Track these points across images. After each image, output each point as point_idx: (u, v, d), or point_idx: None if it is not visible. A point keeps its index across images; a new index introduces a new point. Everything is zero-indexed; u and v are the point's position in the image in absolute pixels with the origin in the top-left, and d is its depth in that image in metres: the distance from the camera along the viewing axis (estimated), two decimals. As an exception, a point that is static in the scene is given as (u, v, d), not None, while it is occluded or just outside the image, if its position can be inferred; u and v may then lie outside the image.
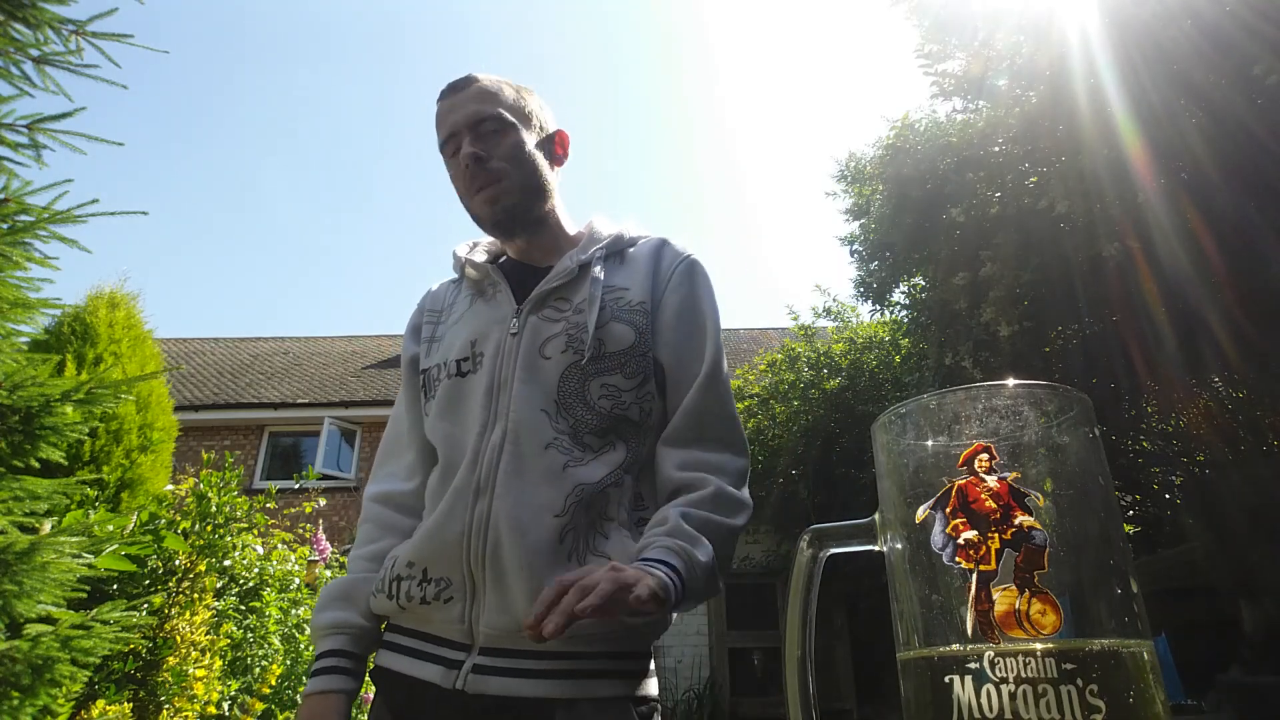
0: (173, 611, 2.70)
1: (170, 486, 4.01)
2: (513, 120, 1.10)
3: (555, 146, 1.17)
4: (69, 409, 1.59)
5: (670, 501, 0.98)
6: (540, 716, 0.89)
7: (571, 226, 1.19)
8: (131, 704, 2.44)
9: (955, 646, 0.35)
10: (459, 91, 1.09)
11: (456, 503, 0.97)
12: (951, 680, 0.35)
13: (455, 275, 1.22)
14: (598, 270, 1.07)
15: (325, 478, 10.69)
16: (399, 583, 0.98)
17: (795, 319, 9.30)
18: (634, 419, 1.02)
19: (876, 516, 0.43)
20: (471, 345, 1.07)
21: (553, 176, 1.15)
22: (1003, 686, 0.33)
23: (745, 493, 1.00)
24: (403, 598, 0.97)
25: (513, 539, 0.92)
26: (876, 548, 0.43)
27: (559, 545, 0.92)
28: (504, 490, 0.95)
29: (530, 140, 1.12)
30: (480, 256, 1.18)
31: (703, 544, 0.90)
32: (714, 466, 0.99)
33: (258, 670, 3.33)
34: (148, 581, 2.77)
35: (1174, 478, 6.26)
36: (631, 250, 1.13)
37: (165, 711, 2.56)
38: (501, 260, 1.18)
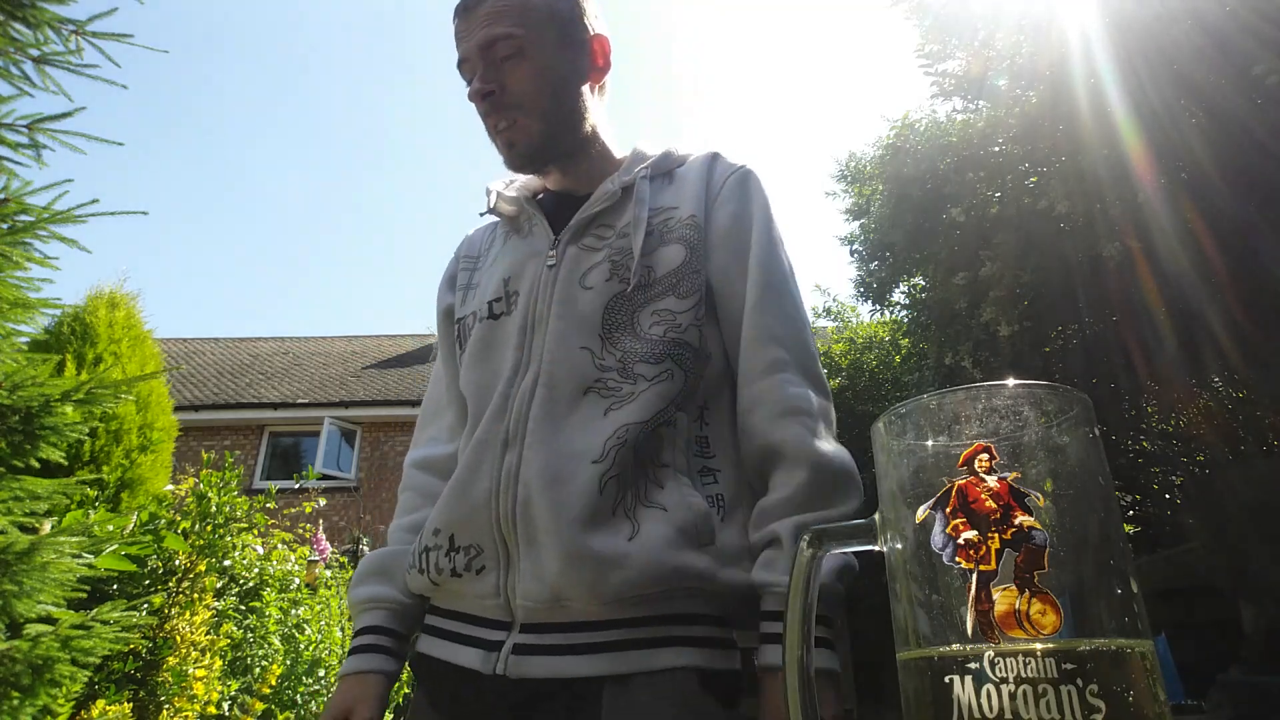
0: (173, 611, 2.70)
1: (170, 486, 4.01)
2: (531, 37, 0.93)
3: (593, 56, 1.00)
4: (69, 409, 1.59)
5: (760, 480, 0.87)
6: (587, 698, 0.77)
7: (618, 150, 1.05)
8: (131, 704, 2.44)
9: (955, 646, 0.35)
10: (470, 11, 0.95)
11: (483, 457, 0.86)
12: (951, 680, 0.35)
13: (492, 218, 1.10)
14: (643, 191, 0.94)
15: (325, 478, 10.69)
16: (427, 554, 0.88)
17: (795, 319, 9.27)
18: (693, 343, 0.89)
19: (876, 516, 0.43)
20: (505, 284, 0.95)
21: (590, 96, 1.00)
22: (1003, 686, 0.33)
23: (834, 445, 0.86)
24: (432, 571, 0.87)
25: (544, 493, 0.80)
26: (876, 548, 0.43)
27: (599, 497, 0.80)
28: (535, 439, 0.83)
29: (556, 57, 0.96)
30: (514, 191, 1.05)
31: (830, 560, 0.78)
32: (791, 412, 0.85)
33: (258, 670, 3.33)
34: (148, 581, 2.77)
35: (1174, 478, 6.27)
36: (680, 169, 1.00)
37: (165, 711, 2.56)
38: (540, 196, 1.06)
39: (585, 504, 0.79)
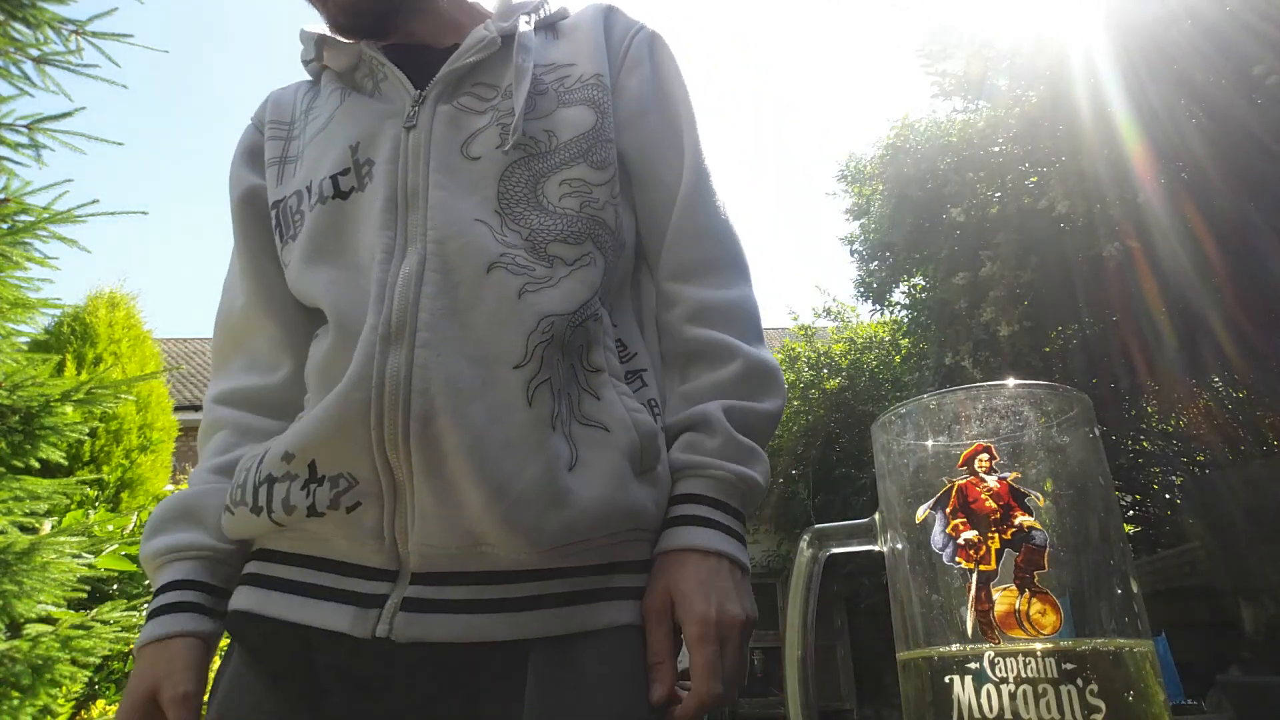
0: (173, 611, 2.70)
1: (170, 486, 4.01)
2: None
3: None
4: (69, 409, 1.59)
5: (686, 373, 0.77)
6: (507, 666, 0.63)
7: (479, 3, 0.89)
8: (131, 704, 2.44)
9: (955, 646, 0.35)
10: None
11: (354, 360, 0.65)
12: (951, 680, 0.35)
13: (309, 75, 0.87)
14: (527, 39, 0.77)
15: (325, 478, 10.69)
16: (270, 487, 0.66)
17: (795, 319, 9.35)
18: (610, 224, 0.74)
19: (876, 516, 0.43)
20: (352, 153, 0.74)
21: None
22: (1003, 686, 0.33)
23: (767, 351, 0.78)
24: (278, 509, 0.65)
25: (457, 408, 0.62)
26: (876, 548, 0.43)
27: (528, 411, 0.63)
28: (434, 337, 0.64)
29: None
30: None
31: (757, 456, 0.71)
32: (728, 314, 0.76)
33: (258, 670, 3.33)
34: (148, 581, 2.77)
35: (1174, 478, 6.28)
36: (566, 22, 0.86)
37: (165, 711, 2.56)
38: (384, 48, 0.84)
39: (513, 421, 0.63)
